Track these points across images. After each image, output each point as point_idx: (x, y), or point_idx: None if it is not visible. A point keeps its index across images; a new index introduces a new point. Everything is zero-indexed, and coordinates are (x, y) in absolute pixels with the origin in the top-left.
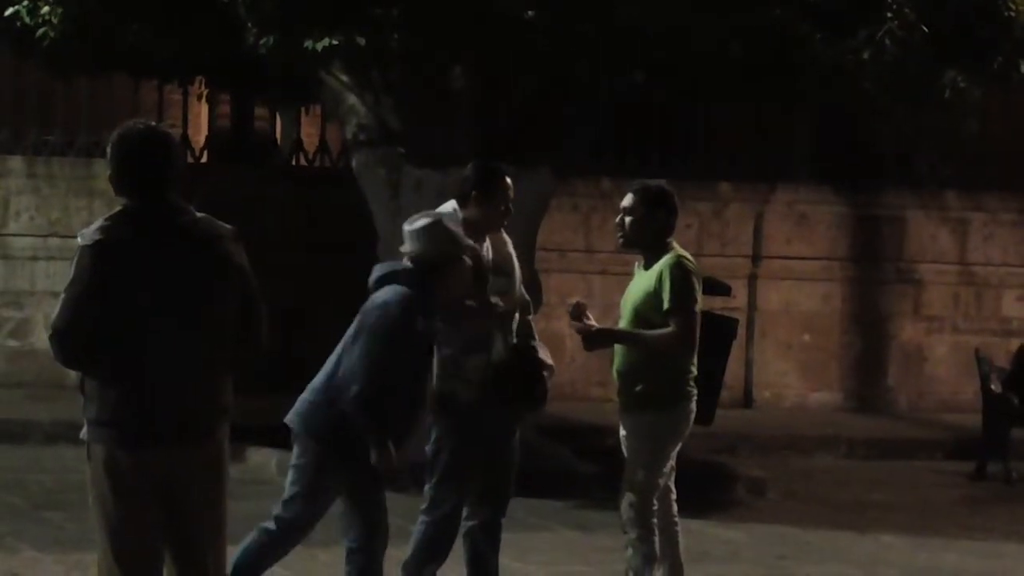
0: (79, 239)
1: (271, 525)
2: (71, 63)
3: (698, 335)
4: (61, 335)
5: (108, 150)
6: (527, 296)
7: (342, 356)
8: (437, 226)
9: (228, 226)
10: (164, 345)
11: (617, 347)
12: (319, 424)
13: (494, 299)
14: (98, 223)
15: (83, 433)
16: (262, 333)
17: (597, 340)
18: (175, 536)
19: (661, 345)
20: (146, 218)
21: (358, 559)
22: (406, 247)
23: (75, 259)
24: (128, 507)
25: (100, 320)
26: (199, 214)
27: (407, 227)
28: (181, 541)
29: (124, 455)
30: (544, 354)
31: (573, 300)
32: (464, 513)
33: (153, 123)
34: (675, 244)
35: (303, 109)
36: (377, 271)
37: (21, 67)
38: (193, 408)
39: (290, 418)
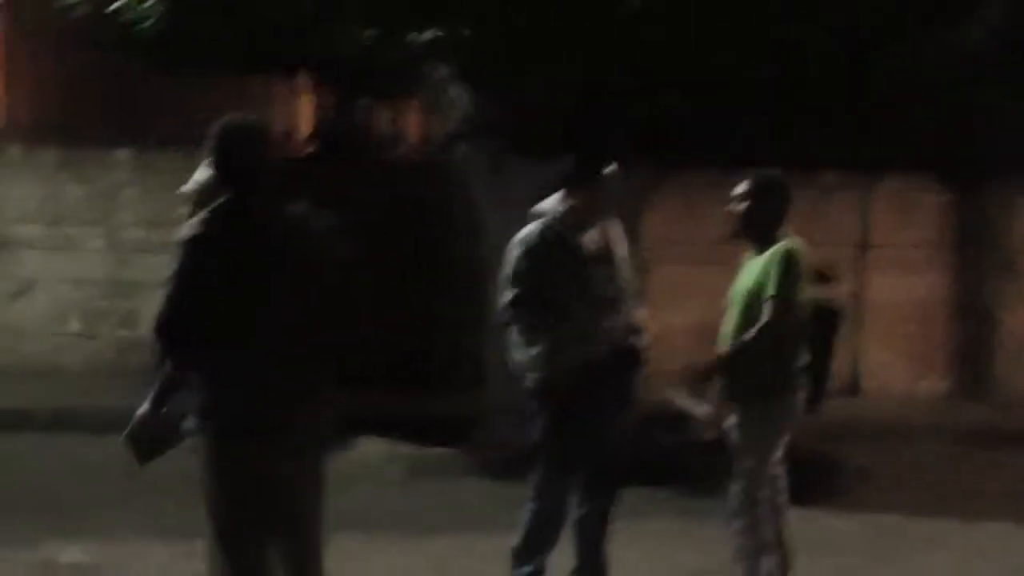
0: (180, 234)
1: None
2: (176, 58)
3: (794, 324)
4: (163, 329)
5: (209, 144)
6: (635, 286)
7: None
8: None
9: (327, 218)
10: (265, 337)
11: (723, 337)
12: None
13: (598, 288)
14: (199, 217)
15: (188, 424)
16: (360, 325)
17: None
18: (281, 527)
19: (759, 340)
20: (246, 211)
21: None
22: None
23: (176, 253)
24: (235, 497)
25: (201, 313)
26: (298, 206)
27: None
28: (287, 530)
29: (229, 446)
30: (641, 319)
31: (686, 370)
32: (574, 502)
33: (252, 116)
34: (787, 234)
35: (406, 101)
36: None
37: (126, 62)
38: (295, 399)
39: None
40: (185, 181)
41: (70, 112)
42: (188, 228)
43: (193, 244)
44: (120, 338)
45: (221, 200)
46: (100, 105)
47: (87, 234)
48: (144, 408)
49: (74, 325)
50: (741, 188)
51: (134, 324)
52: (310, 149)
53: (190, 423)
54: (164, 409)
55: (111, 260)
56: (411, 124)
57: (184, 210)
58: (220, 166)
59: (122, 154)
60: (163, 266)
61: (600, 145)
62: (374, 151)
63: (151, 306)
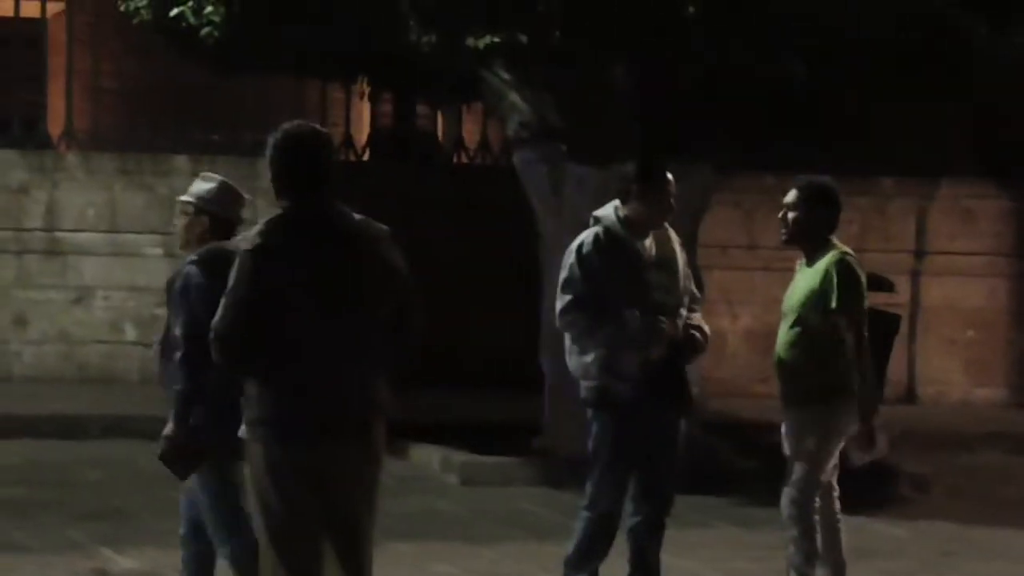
0: (241, 244)
1: None
2: (235, 62)
3: (865, 332)
4: (223, 338)
5: (267, 152)
6: (696, 292)
7: None
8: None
9: (384, 227)
10: (321, 345)
11: (781, 341)
12: None
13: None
14: (258, 227)
15: (241, 432)
16: (416, 333)
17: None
18: (334, 530)
19: (860, 351)
20: (304, 221)
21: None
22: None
23: (236, 263)
24: (288, 502)
25: (259, 322)
26: (357, 215)
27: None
28: (340, 535)
29: (283, 452)
30: (700, 322)
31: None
32: (628, 510)
33: (310, 124)
34: (837, 241)
35: (464, 106)
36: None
37: (185, 67)
38: (349, 406)
39: None
40: (242, 188)
41: (129, 119)
42: (250, 238)
43: (255, 253)
44: None
45: (282, 209)
46: (158, 112)
47: (144, 241)
48: (169, 428)
49: (130, 333)
50: (792, 195)
51: None
52: (368, 154)
53: (242, 431)
54: (191, 422)
55: (168, 268)
56: (470, 129)
57: (179, 221)
58: (283, 174)
59: (180, 161)
60: None
61: (657, 150)
62: (433, 156)
63: None
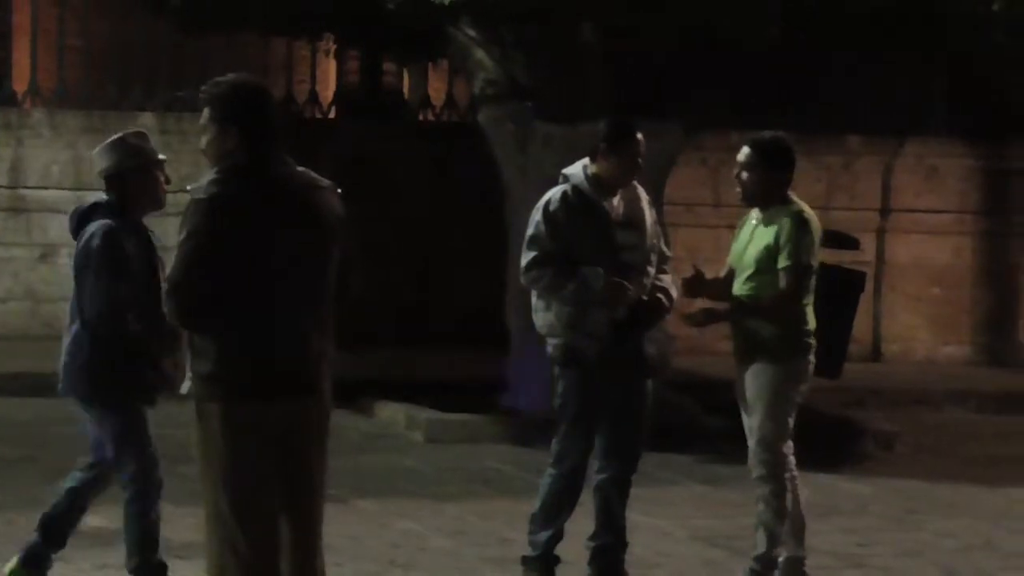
0: (191, 193)
1: None
2: (202, 20)
3: (809, 290)
4: (178, 290)
5: (211, 105)
6: (665, 250)
7: (73, 310)
8: (118, 140)
9: (327, 180)
10: (279, 297)
11: (733, 302)
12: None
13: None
14: (209, 177)
15: (186, 388)
16: (356, 284)
17: (710, 320)
18: (288, 488)
19: (775, 310)
20: (256, 171)
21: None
22: (97, 167)
23: (189, 213)
24: (246, 461)
25: (216, 274)
26: (299, 168)
27: (96, 150)
28: (294, 493)
29: (242, 409)
30: (668, 284)
31: (688, 275)
32: (595, 467)
33: (251, 76)
34: (795, 197)
35: (431, 64)
36: (75, 212)
37: (151, 24)
38: (306, 358)
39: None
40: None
41: (94, 76)
42: (203, 187)
43: (208, 204)
44: None
45: (231, 160)
46: (124, 69)
47: None
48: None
49: None
50: (744, 154)
51: None
52: (334, 112)
53: (186, 387)
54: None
55: None
56: (436, 87)
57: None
58: (239, 125)
59: (146, 118)
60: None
61: (625, 108)
62: (399, 114)
63: None
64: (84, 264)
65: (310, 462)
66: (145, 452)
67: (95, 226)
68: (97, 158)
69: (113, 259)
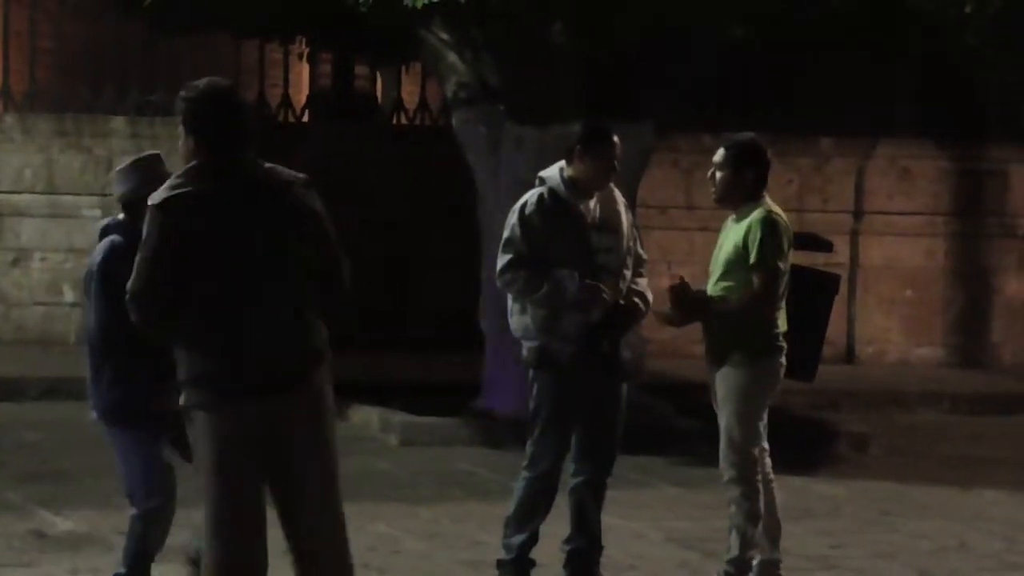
0: (149, 200)
1: None
2: (174, 23)
3: (780, 291)
4: (138, 298)
5: (185, 109)
6: (642, 253)
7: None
8: (134, 165)
9: (299, 174)
10: (247, 296)
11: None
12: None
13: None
14: (168, 182)
15: (181, 399)
16: (343, 277)
17: (687, 319)
18: (281, 489)
19: (747, 309)
20: (215, 172)
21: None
22: (115, 193)
23: (147, 219)
24: (231, 464)
25: (178, 278)
26: (267, 164)
27: (112, 172)
28: (287, 493)
29: (221, 412)
30: (644, 288)
31: (676, 280)
32: (569, 470)
33: (223, 79)
34: (767, 198)
35: (403, 67)
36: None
37: (123, 27)
38: (283, 356)
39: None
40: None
41: (66, 80)
42: (157, 194)
43: (161, 208)
44: None
45: (195, 163)
46: (96, 73)
47: (82, 203)
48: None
49: (68, 295)
50: (719, 155)
51: None
52: (307, 115)
53: (182, 396)
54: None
55: None
56: (409, 90)
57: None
58: (201, 130)
59: (118, 122)
60: None
61: (596, 110)
62: (372, 117)
63: None
64: (88, 281)
65: (303, 459)
66: (152, 475)
67: (103, 243)
68: (115, 183)
69: (108, 277)
